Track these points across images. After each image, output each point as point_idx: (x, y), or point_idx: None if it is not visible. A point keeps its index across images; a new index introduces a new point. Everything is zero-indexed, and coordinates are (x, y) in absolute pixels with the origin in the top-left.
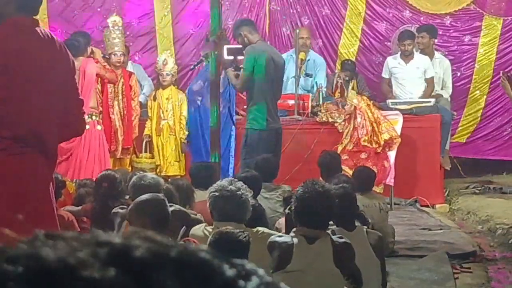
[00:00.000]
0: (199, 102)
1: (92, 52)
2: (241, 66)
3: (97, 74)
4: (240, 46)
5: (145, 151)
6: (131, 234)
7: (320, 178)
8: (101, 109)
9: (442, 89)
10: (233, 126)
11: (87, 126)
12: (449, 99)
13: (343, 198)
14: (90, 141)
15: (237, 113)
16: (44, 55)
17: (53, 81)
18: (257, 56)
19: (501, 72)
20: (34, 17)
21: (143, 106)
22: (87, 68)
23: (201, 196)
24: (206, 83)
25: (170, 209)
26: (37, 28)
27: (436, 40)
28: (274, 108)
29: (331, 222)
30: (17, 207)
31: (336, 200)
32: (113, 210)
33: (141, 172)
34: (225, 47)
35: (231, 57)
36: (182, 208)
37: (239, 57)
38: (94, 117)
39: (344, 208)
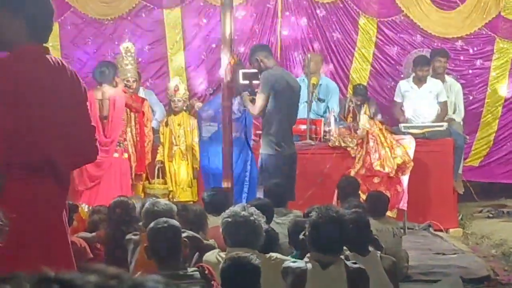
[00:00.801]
0: (213, 129)
1: (116, 82)
2: (256, 90)
3: (125, 104)
4: (256, 70)
5: (158, 177)
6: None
7: (336, 202)
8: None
9: (454, 113)
10: (250, 151)
11: (116, 154)
12: (461, 123)
13: (357, 223)
14: (120, 168)
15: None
16: (54, 82)
17: (64, 108)
18: (274, 81)
19: None
20: (45, 44)
21: (155, 132)
22: (117, 98)
23: (214, 222)
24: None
25: (183, 235)
26: (47, 56)
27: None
28: (289, 133)
29: (345, 247)
30: (30, 234)
31: (350, 225)
32: (127, 237)
33: (154, 198)
34: (240, 71)
35: (246, 82)
36: (196, 234)
37: (254, 82)
38: (121, 145)
39: (358, 233)
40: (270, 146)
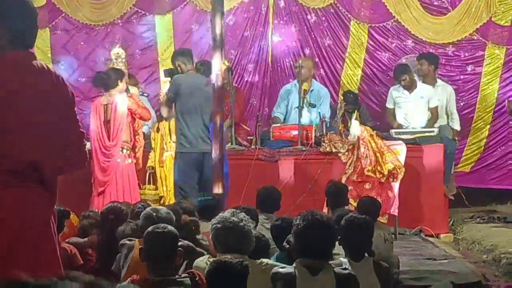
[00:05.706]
0: None
1: (128, 90)
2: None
3: (129, 109)
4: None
5: (149, 183)
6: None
7: (326, 208)
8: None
9: (449, 119)
10: None
11: (119, 160)
12: (459, 129)
13: (367, 228)
14: (122, 174)
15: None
16: (39, 88)
17: (50, 114)
18: (179, 84)
19: (507, 101)
20: (30, 49)
21: (146, 137)
22: (118, 103)
23: (205, 227)
24: None
25: (179, 243)
26: (33, 62)
27: (435, 67)
28: (196, 132)
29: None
30: (17, 241)
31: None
32: (121, 241)
33: (143, 203)
34: (162, 69)
35: (169, 78)
36: (190, 243)
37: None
38: (125, 151)
39: (365, 238)
40: (180, 144)
